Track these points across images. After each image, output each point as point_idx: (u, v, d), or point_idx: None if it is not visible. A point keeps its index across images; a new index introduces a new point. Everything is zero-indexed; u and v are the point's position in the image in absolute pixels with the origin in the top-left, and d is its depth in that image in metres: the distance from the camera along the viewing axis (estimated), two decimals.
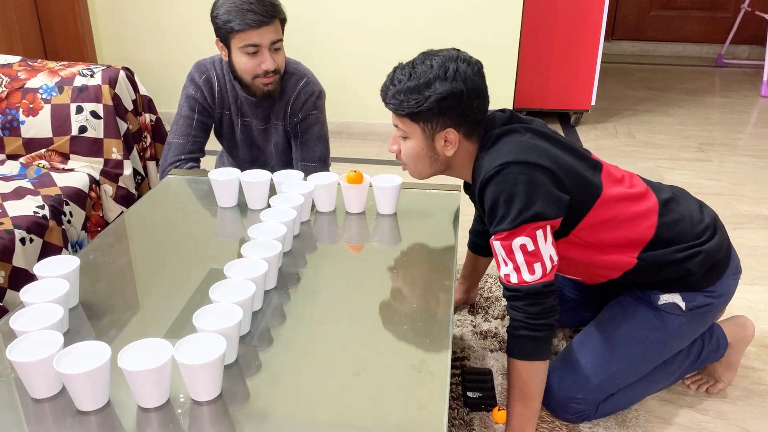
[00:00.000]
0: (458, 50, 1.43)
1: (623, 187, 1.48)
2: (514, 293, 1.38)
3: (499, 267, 1.40)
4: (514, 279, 1.36)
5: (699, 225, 1.52)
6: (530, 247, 1.34)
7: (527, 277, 1.35)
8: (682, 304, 1.52)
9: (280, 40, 1.79)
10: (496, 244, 1.37)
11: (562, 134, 3.68)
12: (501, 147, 1.39)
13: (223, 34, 1.76)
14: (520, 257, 1.35)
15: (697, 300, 1.53)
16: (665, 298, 1.53)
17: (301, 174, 1.65)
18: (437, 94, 1.35)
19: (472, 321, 1.98)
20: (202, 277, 1.34)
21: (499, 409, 1.61)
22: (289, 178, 1.63)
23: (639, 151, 3.50)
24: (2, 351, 1.11)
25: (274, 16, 1.74)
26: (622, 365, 1.57)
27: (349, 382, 1.06)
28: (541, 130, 1.47)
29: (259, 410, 1.01)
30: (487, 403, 1.65)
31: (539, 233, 1.35)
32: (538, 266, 1.35)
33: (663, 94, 4.54)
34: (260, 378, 1.08)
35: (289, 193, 1.54)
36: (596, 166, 1.48)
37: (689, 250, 1.48)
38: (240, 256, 1.28)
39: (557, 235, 1.43)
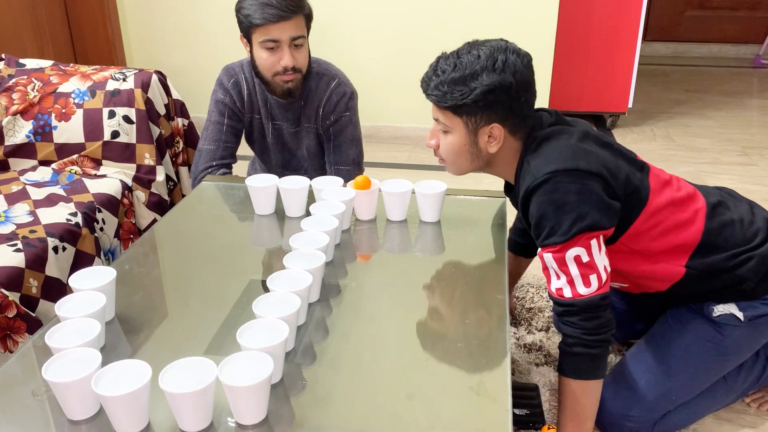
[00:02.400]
0: (507, 41, 1.35)
1: (671, 190, 1.39)
2: (568, 308, 1.30)
3: (549, 281, 1.32)
4: (568, 293, 1.29)
5: (750, 228, 1.42)
6: (585, 258, 1.26)
7: (582, 290, 1.27)
8: (740, 315, 1.43)
9: (302, 37, 1.72)
10: (547, 257, 1.29)
11: None
12: (548, 152, 1.31)
13: (245, 29, 1.71)
14: (574, 269, 1.27)
15: (756, 309, 1.43)
16: (720, 310, 1.44)
17: (341, 180, 1.59)
18: (484, 86, 1.26)
19: (514, 333, 1.90)
20: (242, 289, 1.28)
21: (549, 428, 1.53)
22: (328, 185, 1.56)
23: (679, 155, 3.39)
24: (35, 367, 1.06)
25: (295, 10, 1.67)
26: (678, 381, 1.48)
27: (403, 406, 0.99)
28: (588, 131, 1.38)
29: None
30: (535, 421, 1.57)
31: (593, 243, 1.27)
32: (593, 278, 1.27)
33: (700, 96, 4.41)
34: (306, 399, 1.01)
35: (329, 201, 1.48)
36: (643, 168, 1.39)
37: (740, 256, 1.39)
38: (281, 266, 1.21)
39: (605, 243, 1.35)
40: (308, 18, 1.73)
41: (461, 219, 1.58)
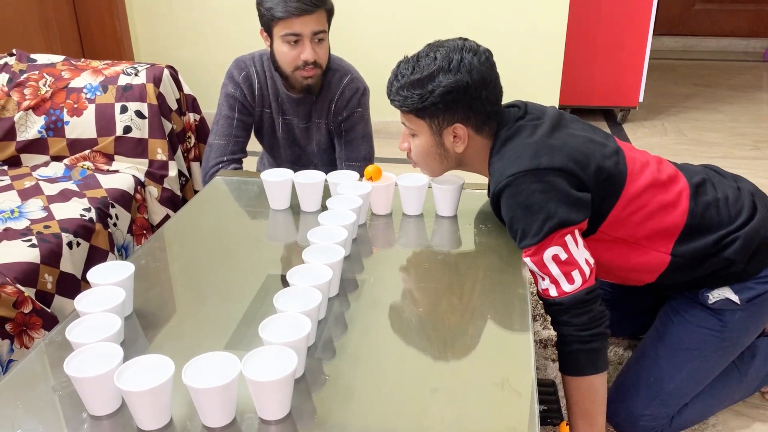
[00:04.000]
0: (465, 39, 1.34)
1: (651, 172, 1.37)
2: (557, 307, 1.29)
3: (536, 282, 1.32)
4: (553, 292, 1.28)
5: (735, 206, 1.40)
6: (563, 256, 1.26)
7: (567, 287, 1.27)
8: (735, 298, 1.41)
9: (324, 32, 1.71)
10: (527, 261, 1.29)
11: (610, 133, 3.58)
12: (509, 153, 1.31)
13: (266, 22, 1.70)
14: (555, 269, 1.27)
15: (752, 290, 1.41)
16: (715, 295, 1.42)
17: (356, 174, 1.58)
18: (441, 87, 1.28)
19: None
20: (259, 284, 1.27)
21: (566, 424, 1.51)
22: (344, 179, 1.55)
23: (691, 149, 3.37)
24: (54, 363, 1.05)
25: (318, 5, 1.67)
26: (687, 373, 1.47)
27: (427, 399, 0.98)
28: (557, 121, 1.37)
29: (330, 430, 0.93)
30: (553, 417, 1.55)
31: (569, 239, 1.26)
32: (576, 274, 1.27)
33: (710, 90, 4.39)
34: (329, 394, 1.00)
35: (346, 195, 1.46)
36: (618, 152, 1.36)
37: (725, 239, 1.37)
38: (298, 261, 1.20)
39: (584, 234, 1.34)
40: (330, 13, 1.73)
41: (478, 213, 1.56)
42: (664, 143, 3.46)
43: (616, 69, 3.61)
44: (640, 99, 3.67)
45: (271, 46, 1.74)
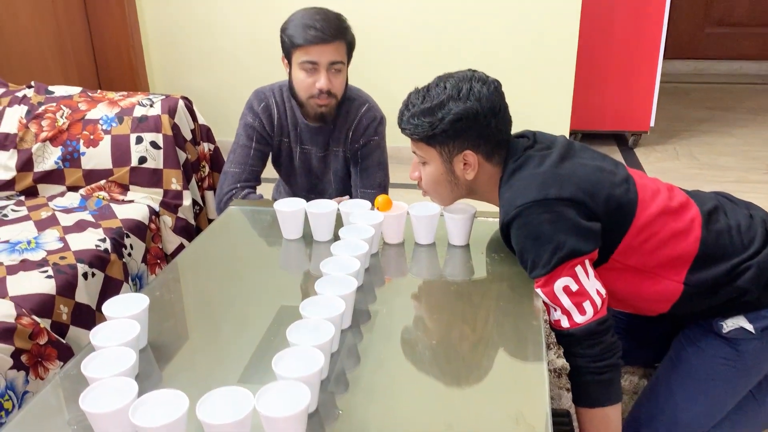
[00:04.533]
0: (474, 71, 1.38)
1: (662, 200, 1.36)
2: (569, 338, 1.29)
3: (549, 313, 1.31)
4: (565, 323, 1.28)
5: (748, 233, 1.38)
6: (574, 287, 1.26)
7: (578, 318, 1.27)
8: (750, 327, 1.39)
9: (341, 63, 1.74)
10: (538, 291, 1.29)
11: (621, 157, 3.57)
12: (518, 184, 1.32)
13: (287, 49, 1.74)
14: (566, 300, 1.26)
15: (766, 319, 1.39)
16: (729, 324, 1.40)
17: (368, 203, 1.58)
18: (451, 115, 1.30)
19: None
20: (273, 315, 1.28)
21: None
22: (356, 208, 1.56)
23: (703, 173, 3.36)
24: (69, 396, 1.06)
25: (337, 36, 1.70)
26: (704, 403, 1.45)
27: None
28: (566, 150, 1.37)
29: None
30: None
31: (579, 270, 1.26)
32: (587, 305, 1.26)
33: (723, 113, 4.38)
34: (342, 429, 1.00)
35: (358, 224, 1.47)
36: (628, 179, 1.36)
37: (738, 268, 1.35)
38: (311, 291, 1.21)
39: (596, 263, 1.33)
40: (350, 46, 1.76)
41: (490, 242, 1.56)
42: (676, 167, 3.45)
43: (627, 93, 3.62)
44: (652, 123, 3.67)
45: (290, 72, 1.77)
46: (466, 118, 1.30)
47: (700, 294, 1.38)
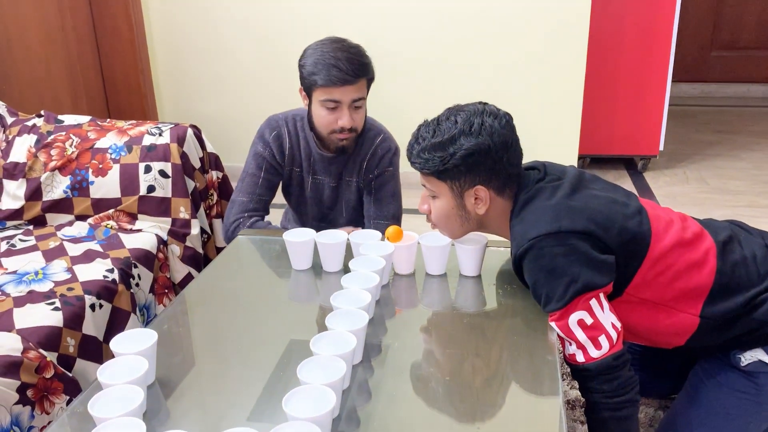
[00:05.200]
0: (485, 104, 1.36)
1: (676, 231, 1.34)
2: (584, 373, 1.26)
3: (563, 347, 1.29)
4: (580, 358, 1.26)
5: (764, 264, 1.36)
6: (589, 321, 1.23)
7: (594, 353, 1.24)
8: None
9: (363, 99, 1.73)
10: (552, 325, 1.27)
11: (631, 182, 3.55)
12: (530, 216, 1.30)
13: (307, 85, 1.72)
14: (581, 334, 1.24)
15: None
16: (747, 358, 1.37)
17: (378, 234, 1.57)
18: (463, 150, 1.28)
19: None
20: (283, 350, 1.26)
21: None
22: (366, 239, 1.54)
23: (714, 198, 3.33)
24: None
25: (360, 75, 1.68)
26: None
27: None
28: (578, 182, 1.35)
29: None
30: None
31: (593, 303, 1.24)
32: (603, 339, 1.24)
33: (732, 137, 4.36)
34: None
35: (368, 256, 1.45)
36: (641, 211, 1.34)
37: (755, 300, 1.32)
38: (321, 324, 1.19)
39: (610, 297, 1.31)
40: (371, 80, 1.74)
41: (502, 273, 1.54)
42: (686, 192, 3.43)
43: (635, 117, 3.61)
44: (661, 147, 3.66)
45: (309, 105, 1.76)
46: (477, 153, 1.29)
47: (716, 327, 1.35)
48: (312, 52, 1.69)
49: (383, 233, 1.57)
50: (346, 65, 1.64)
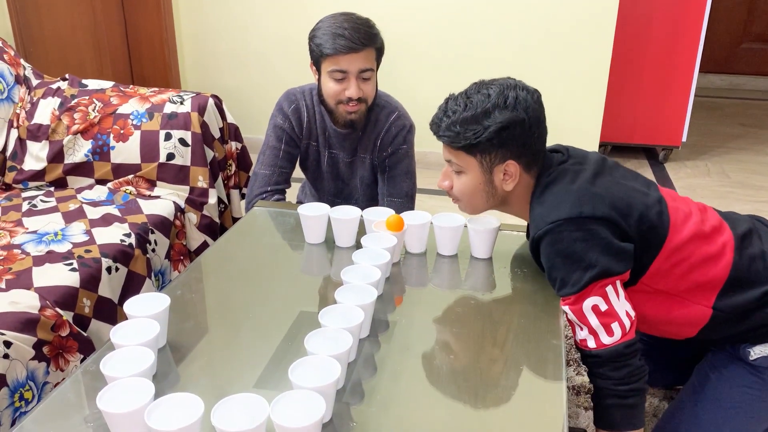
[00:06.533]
0: (514, 79, 1.34)
1: (694, 223, 1.33)
2: (594, 359, 1.27)
3: (574, 332, 1.29)
4: (591, 344, 1.26)
5: None
6: (603, 307, 1.23)
7: (606, 339, 1.24)
8: None
9: (371, 70, 1.73)
10: (566, 309, 1.27)
11: (651, 172, 3.52)
12: (551, 199, 1.29)
13: (315, 57, 1.73)
14: (594, 320, 1.24)
15: None
16: (757, 352, 1.37)
17: (392, 211, 1.58)
18: (498, 124, 1.26)
19: None
20: (292, 321, 1.28)
21: None
22: (380, 216, 1.55)
23: (735, 192, 3.29)
24: (88, 393, 1.07)
25: (366, 44, 1.69)
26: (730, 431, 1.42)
27: None
28: (600, 168, 1.35)
29: None
30: None
31: (609, 290, 1.24)
32: (615, 326, 1.24)
33: (757, 131, 4.29)
34: None
35: (380, 233, 1.46)
36: (661, 201, 1.33)
37: None
38: (331, 297, 1.20)
39: (625, 285, 1.30)
40: (379, 51, 1.74)
41: (514, 256, 1.55)
42: (706, 184, 3.39)
43: (659, 107, 3.56)
44: (684, 138, 3.61)
45: (319, 80, 1.77)
46: (512, 127, 1.27)
47: (729, 319, 1.35)
48: (320, 25, 1.72)
49: (396, 211, 1.58)
50: (352, 33, 1.65)
